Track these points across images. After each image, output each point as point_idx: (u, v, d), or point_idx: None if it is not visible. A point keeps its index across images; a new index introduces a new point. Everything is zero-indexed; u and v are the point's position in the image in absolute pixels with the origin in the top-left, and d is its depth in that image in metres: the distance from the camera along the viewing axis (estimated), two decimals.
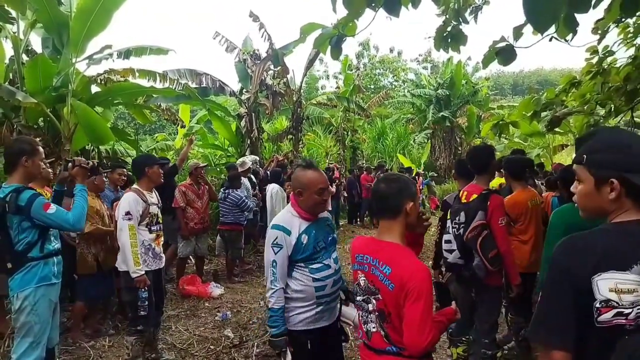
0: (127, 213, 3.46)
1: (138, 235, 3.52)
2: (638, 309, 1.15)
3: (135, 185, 3.73)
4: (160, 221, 3.84)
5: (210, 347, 4.24)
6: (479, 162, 3.23)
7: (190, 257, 6.52)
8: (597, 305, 1.17)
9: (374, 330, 1.80)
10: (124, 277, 3.53)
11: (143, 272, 3.45)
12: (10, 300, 2.84)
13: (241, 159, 8.35)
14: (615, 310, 1.16)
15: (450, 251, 3.18)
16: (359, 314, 1.91)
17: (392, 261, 1.72)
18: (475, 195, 3.06)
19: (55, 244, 2.95)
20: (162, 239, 3.90)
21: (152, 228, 3.69)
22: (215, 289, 5.78)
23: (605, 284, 1.16)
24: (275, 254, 2.27)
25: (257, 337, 4.42)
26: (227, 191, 6.50)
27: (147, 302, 3.45)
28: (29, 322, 2.73)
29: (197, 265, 6.37)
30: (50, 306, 2.85)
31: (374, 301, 1.78)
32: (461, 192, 3.19)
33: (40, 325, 2.76)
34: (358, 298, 1.88)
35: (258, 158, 9.70)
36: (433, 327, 1.65)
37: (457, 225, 3.11)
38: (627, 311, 1.15)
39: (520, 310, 3.79)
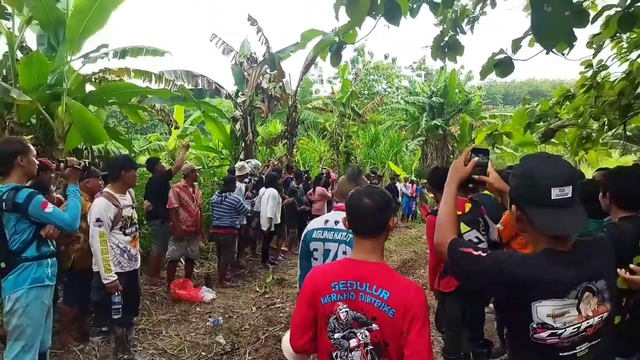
0: (98, 220, 3.42)
1: (112, 238, 3.52)
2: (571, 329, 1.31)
3: (106, 189, 3.65)
4: (136, 222, 3.81)
5: (202, 353, 4.19)
6: None
7: (181, 259, 6.46)
8: (534, 325, 1.31)
9: None
10: (96, 277, 3.52)
11: (115, 278, 3.42)
12: (3, 301, 2.79)
13: (240, 163, 8.28)
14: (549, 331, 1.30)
15: None
16: (332, 355, 1.61)
17: (388, 284, 1.54)
18: (469, 205, 3.09)
19: (51, 246, 2.91)
20: (138, 240, 3.86)
21: (127, 231, 3.65)
22: (207, 294, 5.72)
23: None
24: None
25: (249, 344, 4.39)
26: (223, 194, 6.46)
27: (120, 306, 3.44)
28: (20, 324, 2.68)
29: (187, 269, 6.25)
30: (43, 309, 2.80)
31: (364, 334, 1.55)
32: None
33: (33, 329, 2.71)
34: (336, 335, 1.60)
35: (260, 164, 9.59)
36: None
37: (484, 234, 3.14)
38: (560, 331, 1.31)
39: None
